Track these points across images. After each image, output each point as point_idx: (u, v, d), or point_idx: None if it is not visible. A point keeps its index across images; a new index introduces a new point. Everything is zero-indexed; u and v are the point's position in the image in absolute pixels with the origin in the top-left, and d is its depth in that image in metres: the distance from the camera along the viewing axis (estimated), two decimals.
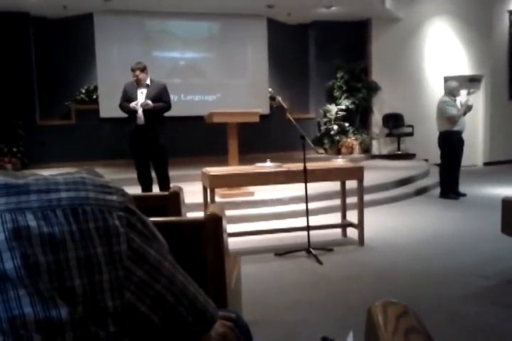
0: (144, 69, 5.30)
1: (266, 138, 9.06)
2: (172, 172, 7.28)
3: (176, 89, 9.10)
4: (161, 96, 5.33)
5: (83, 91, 8.74)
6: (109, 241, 0.67)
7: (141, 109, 5.22)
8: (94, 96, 8.71)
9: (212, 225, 1.41)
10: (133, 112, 5.30)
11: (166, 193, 2.34)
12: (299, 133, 4.08)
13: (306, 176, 3.98)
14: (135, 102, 5.22)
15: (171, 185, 5.55)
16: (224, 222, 1.49)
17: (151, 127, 5.28)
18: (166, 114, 8.42)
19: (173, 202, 2.29)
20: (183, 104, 9.00)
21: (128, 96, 5.33)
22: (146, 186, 5.41)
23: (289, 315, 2.81)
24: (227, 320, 1.17)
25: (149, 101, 5.20)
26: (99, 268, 0.66)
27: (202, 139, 8.48)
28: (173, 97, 8.97)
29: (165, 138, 5.38)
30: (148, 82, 5.36)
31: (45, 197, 0.65)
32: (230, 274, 1.80)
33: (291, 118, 4.37)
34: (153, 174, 5.48)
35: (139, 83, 5.31)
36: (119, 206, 0.70)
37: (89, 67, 8.73)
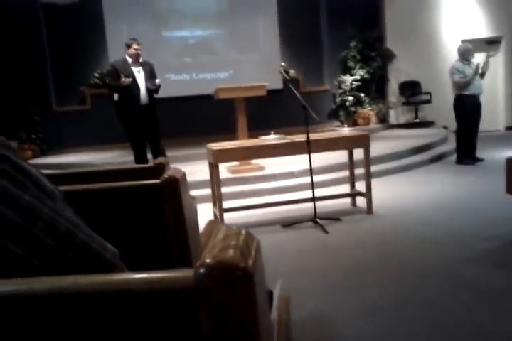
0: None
1: (279, 112, 8.94)
2: (186, 152, 7.34)
3: (188, 68, 9.08)
4: (153, 75, 5.39)
5: (97, 75, 8.82)
6: None
7: (145, 89, 5.23)
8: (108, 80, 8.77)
9: (169, 187, 1.43)
10: (128, 91, 5.16)
11: (151, 165, 2.38)
12: (301, 104, 4.07)
13: (309, 146, 3.96)
14: (126, 79, 5.07)
15: (180, 163, 5.61)
16: (184, 183, 1.50)
17: (154, 106, 5.39)
18: (180, 94, 8.54)
19: (158, 173, 2.33)
20: (195, 82, 8.98)
21: (123, 75, 5.14)
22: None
23: (284, 283, 2.82)
24: None
25: (157, 80, 5.26)
26: None
27: (216, 117, 8.44)
28: (185, 76, 9.05)
29: None
30: (141, 60, 5.35)
31: None
32: (200, 234, 1.82)
33: (293, 88, 4.32)
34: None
35: (137, 58, 5.26)
36: None
37: (102, 51, 8.78)
